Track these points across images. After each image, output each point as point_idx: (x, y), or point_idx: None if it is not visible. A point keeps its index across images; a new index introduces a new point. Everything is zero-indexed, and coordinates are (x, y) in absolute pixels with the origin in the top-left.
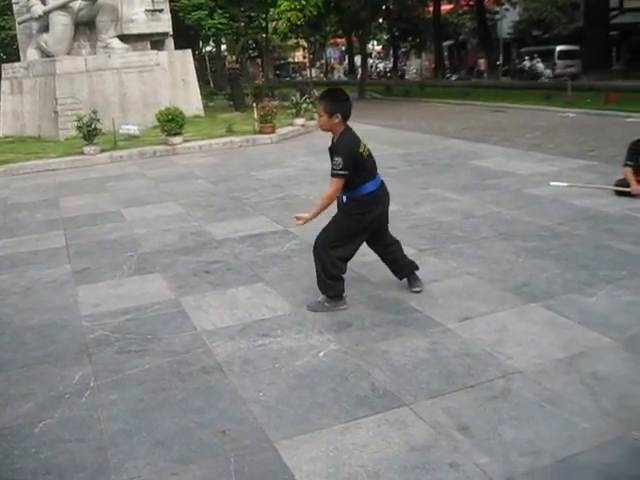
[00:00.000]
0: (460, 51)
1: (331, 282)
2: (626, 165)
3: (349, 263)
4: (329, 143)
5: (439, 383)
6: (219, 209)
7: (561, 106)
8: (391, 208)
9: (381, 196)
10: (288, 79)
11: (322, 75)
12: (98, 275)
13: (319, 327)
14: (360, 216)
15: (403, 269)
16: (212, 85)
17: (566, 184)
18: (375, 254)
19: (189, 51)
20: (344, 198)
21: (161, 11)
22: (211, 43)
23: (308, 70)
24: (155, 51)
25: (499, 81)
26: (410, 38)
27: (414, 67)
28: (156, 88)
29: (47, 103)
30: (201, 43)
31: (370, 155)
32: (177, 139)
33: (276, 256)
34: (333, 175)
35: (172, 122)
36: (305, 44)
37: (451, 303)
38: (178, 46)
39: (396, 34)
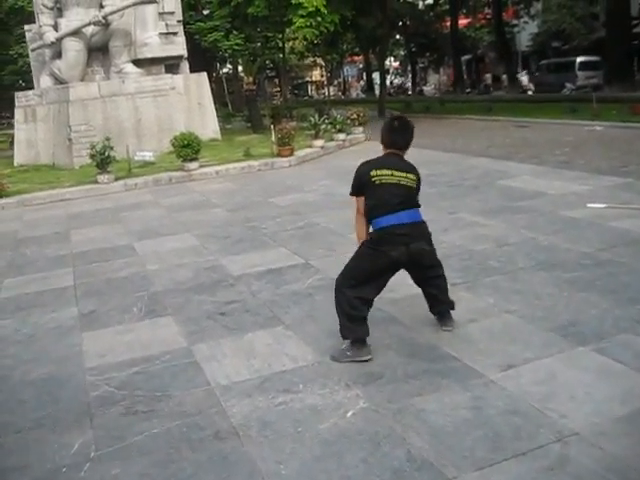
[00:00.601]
0: (478, 65)
1: (350, 325)
2: None
3: (376, 300)
4: (349, 165)
5: (485, 450)
6: (236, 240)
7: (587, 119)
8: None
9: (399, 236)
10: (306, 98)
11: (340, 93)
12: (106, 319)
13: (346, 379)
14: (372, 254)
15: (437, 306)
16: (230, 107)
17: (604, 205)
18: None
19: (204, 74)
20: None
21: (175, 34)
22: (228, 64)
23: (326, 89)
24: (170, 75)
25: (520, 95)
26: (427, 53)
27: (432, 82)
28: (171, 112)
29: (61, 130)
30: (218, 65)
31: (390, 185)
32: (193, 165)
33: (297, 294)
34: None
35: (188, 147)
36: (322, 62)
37: (492, 348)
38: (195, 69)
39: (413, 50)
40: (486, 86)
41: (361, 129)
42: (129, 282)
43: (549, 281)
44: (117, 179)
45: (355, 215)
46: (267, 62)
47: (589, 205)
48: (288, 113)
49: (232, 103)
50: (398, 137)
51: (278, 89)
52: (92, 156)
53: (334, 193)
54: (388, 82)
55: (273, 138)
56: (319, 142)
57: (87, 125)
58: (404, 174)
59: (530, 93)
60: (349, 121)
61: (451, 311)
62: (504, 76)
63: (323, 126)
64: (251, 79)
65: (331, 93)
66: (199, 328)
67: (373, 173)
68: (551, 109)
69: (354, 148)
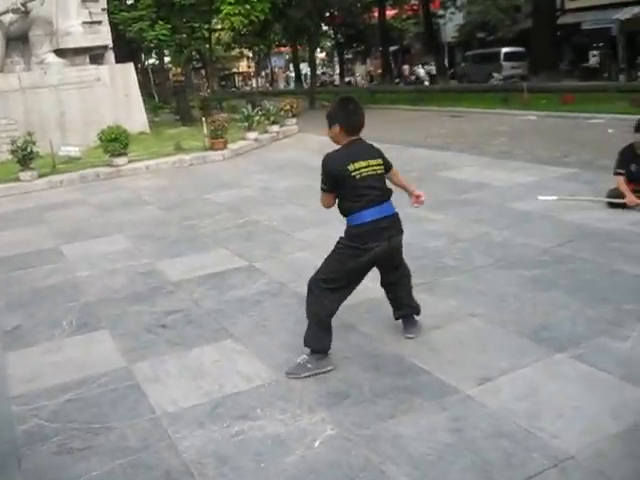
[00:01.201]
0: (404, 56)
1: (321, 334)
2: (617, 174)
3: None
4: (285, 158)
5: None
6: (172, 242)
7: (519, 109)
8: None
9: (383, 229)
10: (234, 90)
11: (267, 85)
12: (33, 335)
13: (308, 401)
14: (355, 253)
15: (403, 309)
16: (157, 99)
17: (555, 197)
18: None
19: (131, 64)
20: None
21: (99, 23)
22: (154, 55)
23: (254, 80)
24: (95, 66)
25: (448, 85)
26: (355, 44)
27: (359, 73)
28: (97, 105)
29: None
30: (143, 56)
31: (370, 177)
32: (122, 160)
33: (243, 301)
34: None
35: (115, 142)
36: (249, 54)
37: (462, 358)
38: (119, 60)
39: (341, 41)
40: (403, 77)
41: (294, 120)
42: (57, 291)
43: (511, 280)
44: (41, 176)
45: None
46: (193, 53)
47: (540, 197)
48: (218, 105)
49: (159, 95)
50: (358, 120)
51: (205, 81)
52: (13, 152)
53: (272, 188)
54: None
55: (205, 131)
56: (253, 134)
57: (7, 119)
58: (376, 162)
59: (426, 84)
60: (282, 112)
61: (415, 316)
62: (405, 67)
63: (256, 118)
64: (179, 70)
65: (258, 84)
66: (138, 343)
67: (351, 168)
68: (482, 99)
69: (288, 140)
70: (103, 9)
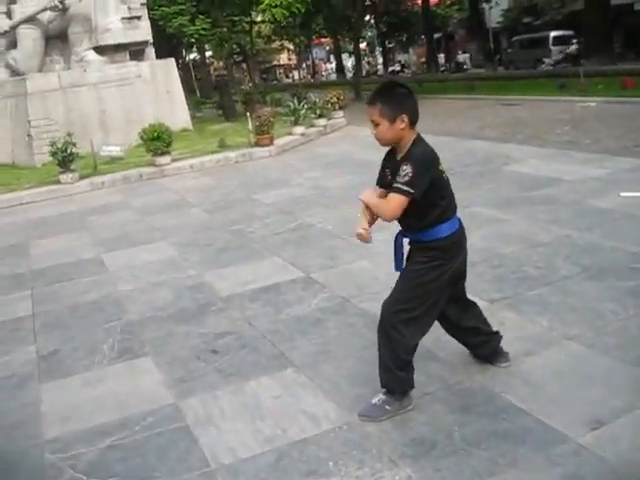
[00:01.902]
0: (448, 43)
1: (401, 374)
2: None
3: None
4: (335, 154)
5: None
6: (220, 249)
7: (576, 95)
8: None
9: (463, 239)
10: (275, 82)
11: (309, 76)
12: (70, 363)
13: (389, 452)
14: (441, 270)
15: (489, 343)
16: (198, 94)
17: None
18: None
19: (172, 60)
20: (407, 243)
21: (139, 18)
22: (194, 50)
23: (296, 72)
24: (135, 62)
25: (497, 72)
26: (397, 33)
27: (406, 61)
28: (138, 102)
29: (20, 126)
30: (184, 51)
31: (449, 181)
32: (165, 159)
33: (302, 320)
34: (395, 190)
35: (158, 140)
36: (290, 46)
37: (566, 393)
38: (160, 56)
39: (383, 30)
40: (457, 64)
41: (341, 113)
42: (98, 309)
43: (605, 293)
44: (82, 178)
45: (387, 213)
46: (234, 47)
47: (622, 194)
48: (261, 98)
49: (200, 90)
50: (417, 106)
51: (246, 74)
52: (53, 154)
53: (324, 187)
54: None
55: (250, 126)
56: (299, 129)
57: (47, 119)
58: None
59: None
60: (329, 105)
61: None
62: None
63: (303, 111)
64: (221, 64)
65: (301, 76)
66: (187, 373)
67: (441, 166)
68: (536, 86)
69: (336, 134)
70: (142, 4)
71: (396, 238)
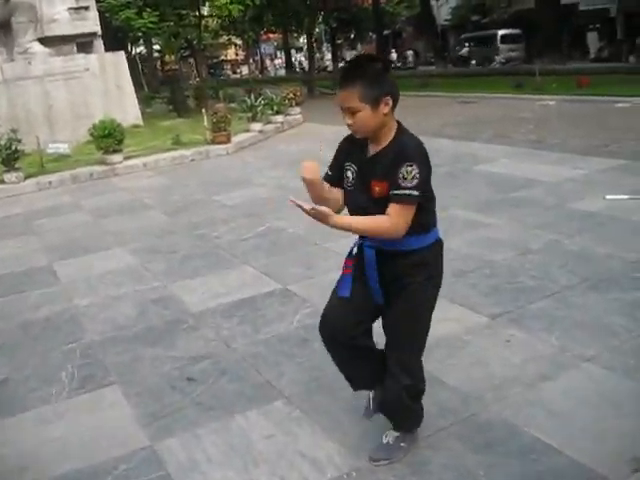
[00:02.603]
0: (396, 40)
1: (417, 406)
2: None
3: None
4: (296, 151)
5: None
6: (185, 257)
7: (533, 93)
8: None
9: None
10: (223, 78)
11: (257, 72)
12: (23, 395)
13: None
14: (439, 278)
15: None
16: (146, 89)
17: (625, 196)
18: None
19: (122, 53)
20: (400, 248)
21: (87, 8)
22: (141, 44)
23: (244, 67)
24: (83, 54)
25: (447, 69)
26: (346, 30)
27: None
28: (87, 97)
29: None
30: (130, 45)
31: None
32: (117, 157)
33: (286, 340)
34: (401, 198)
35: (109, 137)
36: (237, 41)
37: (597, 427)
38: (107, 49)
39: (333, 25)
40: (405, 61)
41: (298, 110)
42: (52, 327)
43: (612, 306)
44: (27, 177)
45: (392, 229)
46: (182, 41)
47: (608, 197)
48: (214, 94)
49: (148, 85)
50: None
51: (193, 69)
52: None
53: (289, 187)
54: (299, 60)
55: (205, 123)
56: (257, 125)
57: None
58: None
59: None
60: (286, 101)
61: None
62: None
63: (260, 108)
64: (172, 58)
65: (250, 71)
66: (161, 407)
67: None
68: (491, 83)
69: (294, 131)
70: None
71: (361, 249)
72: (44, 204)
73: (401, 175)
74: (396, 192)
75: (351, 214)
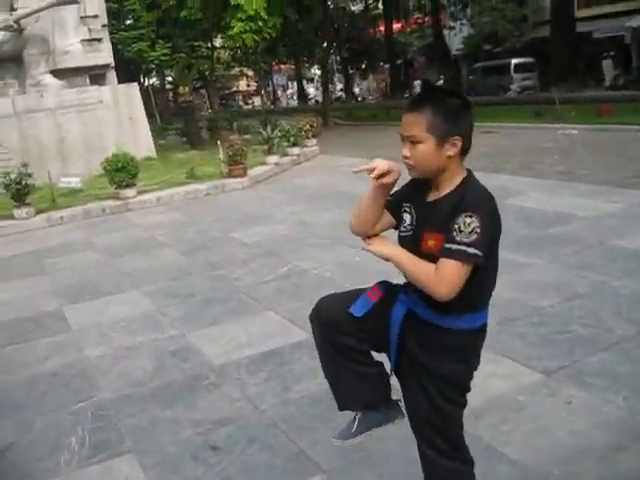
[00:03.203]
0: (408, 70)
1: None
2: None
3: None
4: (314, 185)
5: None
6: (203, 301)
7: (554, 122)
8: None
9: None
10: (235, 109)
11: (269, 103)
12: (29, 465)
13: None
14: (471, 372)
15: None
16: (159, 120)
17: None
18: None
19: (135, 84)
20: (437, 322)
21: (100, 40)
22: (153, 75)
23: (259, 98)
24: (96, 87)
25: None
26: (359, 60)
27: (364, 89)
28: (100, 129)
29: None
30: (142, 76)
31: None
32: (130, 191)
33: (319, 401)
34: (453, 253)
35: (123, 171)
36: (249, 72)
37: None
38: (120, 81)
39: (345, 56)
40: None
41: (314, 141)
42: (61, 383)
43: None
44: (38, 212)
45: (441, 285)
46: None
47: None
48: (228, 125)
49: (160, 116)
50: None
51: (205, 100)
52: (6, 186)
53: (311, 223)
54: (315, 90)
55: (221, 155)
56: (273, 158)
57: (1, 147)
58: None
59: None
60: (302, 132)
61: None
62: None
63: (276, 140)
64: (182, 90)
65: (264, 102)
66: None
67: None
68: (510, 113)
69: (311, 163)
70: (103, 25)
71: (394, 307)
72: (55, 241)
73: (457, 227)
74: (448, 246)
75: None
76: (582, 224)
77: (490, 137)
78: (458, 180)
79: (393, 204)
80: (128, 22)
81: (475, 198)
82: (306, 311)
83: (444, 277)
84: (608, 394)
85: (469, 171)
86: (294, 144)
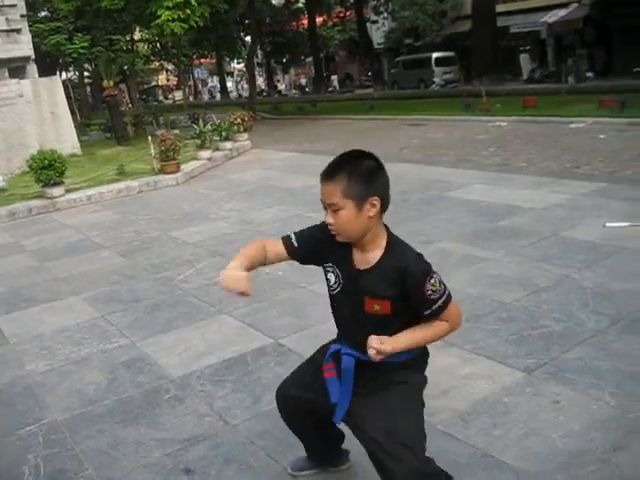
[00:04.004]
0: (329, 64)
1: None
2: None
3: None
4: (249, 180)
5: None
6: (151, 306)
7: (481, 115)
8: None
9: None
10: (156, 103)
11: (191, 97)
12: None
13: None
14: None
15: None
16: (78, 116)
17: (626, 224)
18: None
19: (57, 78)
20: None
21: (19, 31)
22: (71, 69)
23: (180, 92)
24: (16, 80)
25: (386, 92)
26: (281, 53)
27: (283, 83)
28: (21, 125)
29: None
30: (59, 70)
31: None
32: (58, 190)
33: None
34: (442, 309)
35: (50, 169)
36: (168, 67)
37: None
38: (38, 74)
39: (268, 49)
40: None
41: (245, 135)
42: (4, 403)
43: None
44: None
45: (444, 331)
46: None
47: (608, 225)
48: (153, 120)
49: (79, 111)
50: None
51: (124, 95)
52: None
53: (254, 220)
54: (233, 85)
55: (152, 151)
56: (206, 153)
57: None
58: None
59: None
60: (235, 127)
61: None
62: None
63: (209, 134)
64: (111, 83)
65: (186, 96)
66: None
67: None
68: (437, 105)
69: (244, 158)
70: (22, 15)
71: (341, 358)
72: None
73: (429, 292)
74: (437, 305)
75: (339, 323)
76: (531, 216)
77: (420, 129)
78: (383, 242)
79: (304, 255)
80: (43, 14)
81: (414, 259)
82: (264, 314)
83: (453, 321)
84: (593, 391)
85: (387, 228)
86: (226, 138)
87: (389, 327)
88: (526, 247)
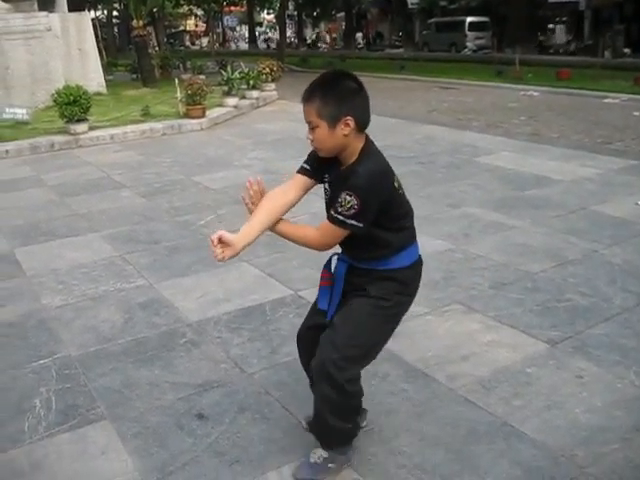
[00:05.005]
0: (360, 21)
1: (346, 425)
2: None
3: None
4: (275, 130)
5: None
6: (170, 249)
7: (514, 83)
8: (436, 243)
9: (420, 273)
10: (182, 48)
11: (218, 45)
12: None
13: None
14: (395, 312)
15: None
16: (105, 55)
17: None
18: None
19: (87, 14)
20: (376, 267)
21: None
22: (99, 8)
23: (207, 39)
24: (45, 13)
25: (418, 54)
26: (312, 6)
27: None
28: (47, 59)
29: None
30: (87, 8)
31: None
32: (81, 127)
33: None
34: (333, 220)
35: (75, 105)
36: (198, 12)
37: None
38: (69, 9)
39: (300, 1)
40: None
41: (273, 86)
42: (19, 335)
43: None
44: None
45: (316, 243)
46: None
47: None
48: (181, 64)
49: (106, 50)
50: (368, 105)
51: (151, 38)
52: None
53: (277, 170)
54: (264, 36)
55: (179, 94)
56: (232, 100)
57: None
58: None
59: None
60: (263, 76)
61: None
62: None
63: (237, 81)
64: (141, 24)
65: (213, 43)
66: (169, 457)
67: (396, 181)
68: (466, 70)
69: (270, 108)
70: None
71: (335, 266)
72: (0, 177)
73: (340, 201)
74: (332, 213)
75: None
76: (560, 187)
77: (451, 93)
78: (356, 155)
79: (314, 172)
80: None
81: (356, 180)
82: (284, 265)
83: (324, 238)
84: (619, 369)
85: (367, 141)
86: (254, 87)
87: (364, 240)
88: (554, 218)
